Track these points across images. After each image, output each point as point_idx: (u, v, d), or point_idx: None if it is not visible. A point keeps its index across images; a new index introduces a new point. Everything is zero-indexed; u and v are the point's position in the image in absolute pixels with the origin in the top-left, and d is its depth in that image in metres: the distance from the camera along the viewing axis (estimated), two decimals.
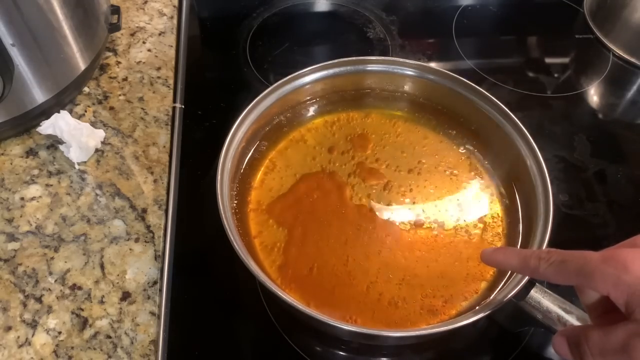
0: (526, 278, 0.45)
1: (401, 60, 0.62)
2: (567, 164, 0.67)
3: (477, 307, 0.48)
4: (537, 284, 0.45)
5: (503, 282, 0.51)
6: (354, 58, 0.61)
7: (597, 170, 0.67)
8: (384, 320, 0.49)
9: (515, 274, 0.48)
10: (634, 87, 0.78)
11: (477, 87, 0.59)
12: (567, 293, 0.56)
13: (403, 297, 0.50)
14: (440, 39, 0.83)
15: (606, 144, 0.70)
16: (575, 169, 0.67)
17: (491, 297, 0.49)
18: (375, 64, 0.62)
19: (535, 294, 0.45)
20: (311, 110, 0.63)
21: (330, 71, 0.61)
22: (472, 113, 0.60)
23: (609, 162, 0.68)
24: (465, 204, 0.57)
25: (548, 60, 0.81)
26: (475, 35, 0.84)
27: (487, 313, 0.44)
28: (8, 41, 0.53)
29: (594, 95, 0.76)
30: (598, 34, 0.83)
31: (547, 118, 0.72)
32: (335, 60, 0.61)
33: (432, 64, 0.78)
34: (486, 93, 0.58)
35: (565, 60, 0.82)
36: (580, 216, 0.63)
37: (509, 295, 0.45)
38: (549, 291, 0.45)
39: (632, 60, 0.80)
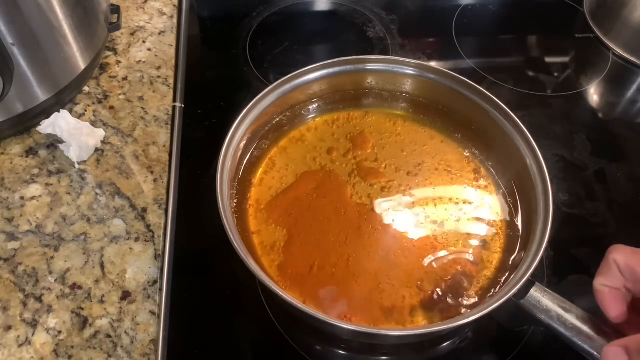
0: (526, 276, 0.45)
1: (402, 59, 0.62)
2: (567, 163, 0.67)
3: (477, 306, 0.48)
4: (536, 283, 0.45)
5: (503, 281, 0.51)
6: (354, 57, 0.61)
7: (597, 169, 0.67)
8: (383, 318, 0.49)
9: (515, 272, 0.48)
10: (634, 87, 0.78)
11: (477, 86, 0.59)
12: (567, 292, 0.57)
13: (402, 295, 0.50)
14: (440, 38, 0.83)
15: (606, 143, 0.70)
16: (575, 168, 0.67)
17: (491, 296, 0.49)
18: (375, 63, 0.62)
19: (535, 292, 0.45)
20: (311, 110, 0.63)
21: (331, 70, 0.61)
22: (472, 113, 0.60)
23: (608, 161, 0.68)
24: (464, 204, 0.57)
25: (548, 59, 0.81)
26: (475, 35, 0.84)
27: (486, 312, 0.44)
28: (8, 40, 0.53)
29: (594, 94, 0.76)
30: (598, 33, 0.83)
31: (547, 117, 0.72)
32: (336, 60, 0.61)
33: (432, 63, 0.79)
34: (486, 92, 0.58)
35: (565, 59, 0.82)
36: (580, 215, 0.62)
37: (509, 294, 0.45)
38: (549, 290, 0.45)
39: (632, 59, 0.80)
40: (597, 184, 0.65)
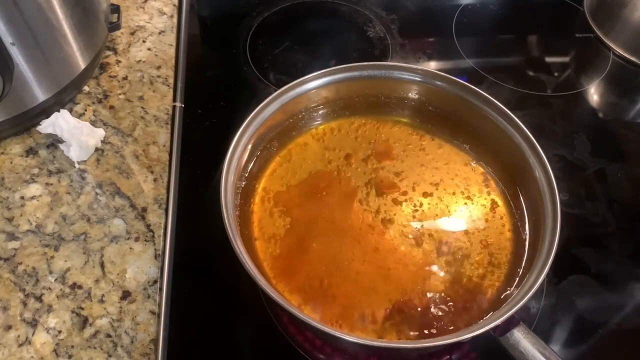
0: (509, 313, 0.43)
1: (408, 65, 0.60)
2: (567, 163, 0.67)
3: (456, 332, 0.47)
4: (521, 323, 0.44)
5: (497, 309, 0.49)
6: (370, 63, 0.60)
7: (597, 169, 0.67)
8: (362, 325, 0.49)
9: (502, 307, 0.47)
10: (634, 86, 0.77)
11: (488, 96, 0.57)
12: (567, 292, 0.57)
13: (384, 307, 0.50)
14: (440, 38, 0.83)
15: (606, 143, 0.70)
16: (575, 168, 0.67)
17: (475, 325, 0.47)
18: (380, 69, 0.61)
19: (517, 332, 0.44)
20: (316, 116, 0.62)
21: (340, 75, 0.60)
22: (480, 122, 0.58)
23: (609, 161, 0.68)
24: (473, 222, 0.55)
25: (548, 59, 0.81)
26: (475, 34, 0.84)
27: (458, 339, 0.43)
28: (8, 40, 0.53)
29: (594, 94, 0.76)
30: (598, 32, 0.83)
31: (547, 117, 0.72)
32: (348, 65, 0.60)
33: (432, 63, 0.79)
34: (497, 102, 0.56)
35: (566, 59, 0.82)
36: (580, 215, 0.62)
37: (487, 327, 0.43)
38: (533, 333, 0.44)
39: (632, 59, 0.80)
40: (597, 184, 0.65)
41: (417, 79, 0.61)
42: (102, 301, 0.51)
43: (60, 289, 0.52)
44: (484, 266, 0.53)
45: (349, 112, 0.63)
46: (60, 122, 0.59)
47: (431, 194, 0.57)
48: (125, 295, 0.52)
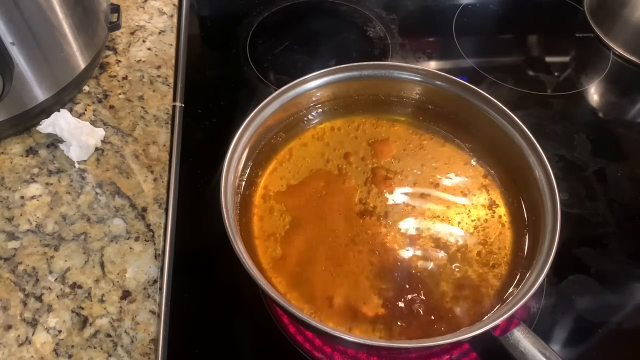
0: (509, 313, 0.43)
1: (408, 65, 0.60)
2: (567, 163, 0.67)
3: (454, 332, 0.46)
4: (522, 322, 0.44)
5: (496, 308, 0.49)
6: (374, 63, 0.60)
7: (597, 169, 0.67)
8: (355, 321, 0.49)
9: (501, 307, 0.47)
10: (634, 86, 0.77)
11: (488, 96, 0.57)
12: (567, 292, 0.57)
13: (378, 303, 0.50)
14: (440, 38, 0.83)
15: (606, 143, 0.70)
16: (575, 168, 0.67)
17: (475, 325, 0.46)
18: (381, 69, 0.61)
19: (517, 332, 0.44)
20: (316, 115, 0.62)
21: (340, 75, 0.60)
22: (480, 122, 0.58)
23: (609, 160, 0.68)
24: (472, 221, 0.55)
25: (548, 58, 0.81)
26: (475, 34, 0.84)
27: (458, 339, 0.43)
28: (8, 40, 0.53)
29: (594, 94, 0.76)
30: (598, 32, 0.83)
31: (547, 117, 0.72)
32: (348, 65, 0.59)
33: (432, 63, 0.79)
34: (497, 102, 0.56)
35: (566, 58, 0.82)
36: (580, 215, 0.62)
37: (487, 327, 0.43)
38: (533, 332, 0.44)
39: (633, 59, 0.80)
40: (597, 184, 0.65)
41: (417, 78, 0.60)
42: (102, 301, 0.51)
43: (60, 289, 0.52)
44: (483, 266, 0.52)
45: (349, 111, 0.63)
46: (60, 122, 0.59)
47: (431, 193, 0.57)
48: (125, 295, 0.52)
